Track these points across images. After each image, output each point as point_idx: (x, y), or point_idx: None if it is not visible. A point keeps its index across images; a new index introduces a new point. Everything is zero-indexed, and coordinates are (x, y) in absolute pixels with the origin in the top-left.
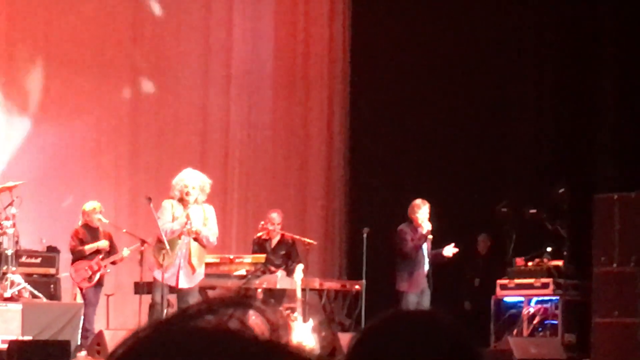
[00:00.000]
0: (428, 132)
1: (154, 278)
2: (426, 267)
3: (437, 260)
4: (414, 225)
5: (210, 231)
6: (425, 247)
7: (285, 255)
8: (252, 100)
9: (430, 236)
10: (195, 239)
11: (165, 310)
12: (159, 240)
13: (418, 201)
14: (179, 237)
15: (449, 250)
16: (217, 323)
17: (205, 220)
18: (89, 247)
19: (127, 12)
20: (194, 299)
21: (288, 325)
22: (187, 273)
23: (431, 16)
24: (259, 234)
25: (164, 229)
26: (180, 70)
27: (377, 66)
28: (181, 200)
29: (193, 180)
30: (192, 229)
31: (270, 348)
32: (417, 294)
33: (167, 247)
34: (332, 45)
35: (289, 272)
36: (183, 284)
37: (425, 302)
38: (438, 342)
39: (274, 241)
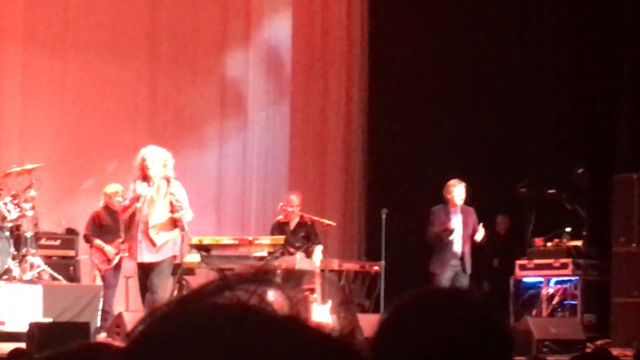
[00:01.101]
0: (446, 113)
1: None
2: (457, 248)
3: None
4: (448, 207)
5: (183, 205)
6: (460, 228)
7: (305, 236)
8: (270, 83)
9: (451, 237)
10: (172, 211)
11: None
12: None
13: (453, 181)
14: (134, 214)
15: (480, 235)
16: (236, 299)
17: (174, 195)
18: (97, 243)
19: None
20: (159, 276)
21: (307, 304)
22: (147, 247)
23: None
24: (278, 218)
25: (119, 206)
26: (199, 51)
27: (395, 47)
28: (145, 178)
29: (151, 153)
30: (143, 199)
31: (290, 324)
32: (447, 277)
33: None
34: (350, 25)
35: (308, 254)
36: (145, 258)
37: (462, 283)
38: (469, 320)
39: (293, 223)
